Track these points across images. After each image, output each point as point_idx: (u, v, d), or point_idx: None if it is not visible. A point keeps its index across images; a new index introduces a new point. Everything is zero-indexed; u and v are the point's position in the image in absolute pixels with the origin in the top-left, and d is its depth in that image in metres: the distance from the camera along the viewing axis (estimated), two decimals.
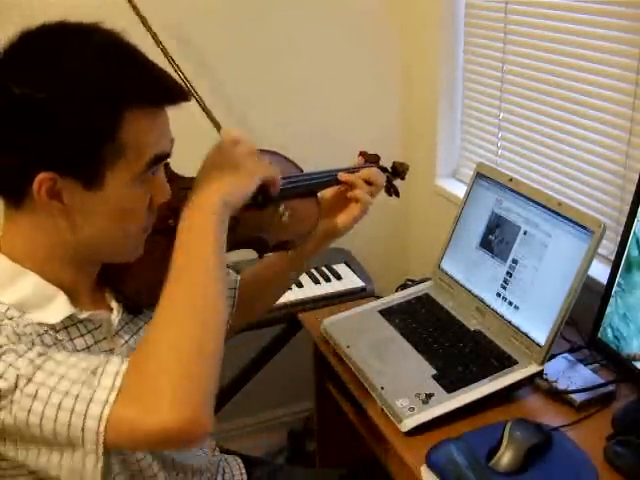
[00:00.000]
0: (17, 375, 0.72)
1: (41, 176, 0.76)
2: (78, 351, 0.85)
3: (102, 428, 0.70)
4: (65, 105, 0.75)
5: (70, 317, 0.85)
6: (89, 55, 0.77)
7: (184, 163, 1.03)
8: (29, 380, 0.72)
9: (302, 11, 1.88)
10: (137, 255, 0.90)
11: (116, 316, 0.91)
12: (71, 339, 0.85)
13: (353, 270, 1.87)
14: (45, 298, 0.83)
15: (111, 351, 0.90)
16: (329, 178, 1.16)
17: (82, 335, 0.87)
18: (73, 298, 0.86)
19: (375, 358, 1.28)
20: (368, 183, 1.15)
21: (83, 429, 0.70)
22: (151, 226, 0.90)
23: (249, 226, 1.02)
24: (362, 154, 1.25)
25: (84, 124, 0.76)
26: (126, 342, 0.93)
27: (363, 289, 1.78)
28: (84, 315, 0.86)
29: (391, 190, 1.29)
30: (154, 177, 0.85)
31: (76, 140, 0.76)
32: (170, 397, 0.70)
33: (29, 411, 0.71)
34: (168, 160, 1.04)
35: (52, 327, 0.82)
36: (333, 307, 1.56)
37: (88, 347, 0.87)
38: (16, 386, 0.72)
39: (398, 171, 1.30)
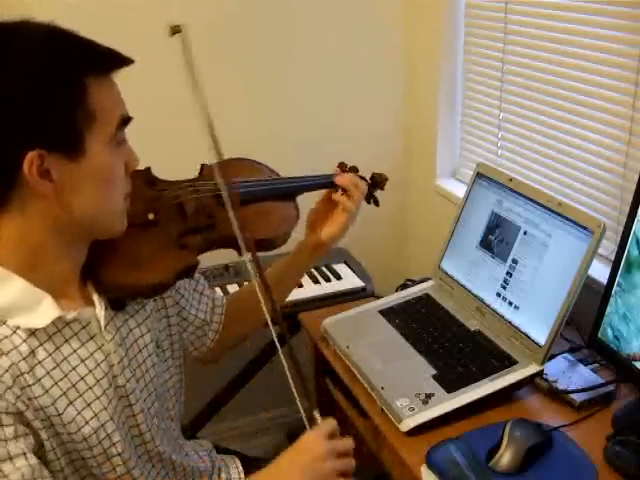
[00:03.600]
0: None
1: (30, 155, 0.80)
2: (66, 358, 0.87)
3: None
4: (32, 89, 0.80)
5: (57, 320, 0.86)
6: (38, 40, 0.82)
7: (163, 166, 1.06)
8: None
9: (303, 11, 1.88)
10: (123, 228, 0.93)
11: (100, 311, 0.92)
12: (57, 348, 0.86)
13: (353, 270, 1.87)
14: (32, 301, 0.85)
15: (101, 348, 0.92)
16: (308, 183, 1.21)
17: (67, 340, 0.88)
18: (58, 296, 0.87)
19: (375, 358, 1.28)
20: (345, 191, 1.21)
21: None
22: (129, 197, 0.94)
23: (227, 224, 1.03)
24: (340, 166, 1.28)
25: (54, 99, 0.81)
26: (113, 337, 0.94)
27: (363, 289, 1.78)
28: (72, 315, 0.88)
29: (371, 199, 1.33)
30: (124, 143, 0.90)
31: (51, 114, 0.81)
32: None
33: None
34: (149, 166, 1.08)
35: (35, 338, 0.84)
36: (333, 307, 1.56)
37: (75, 351, 0.88)
38: None
39: (377, 182, 1.34)
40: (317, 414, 0.99)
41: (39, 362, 0.84)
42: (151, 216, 1.00)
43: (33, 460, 0.80)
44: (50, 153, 0.81)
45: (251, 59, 1.87)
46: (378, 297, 1.56)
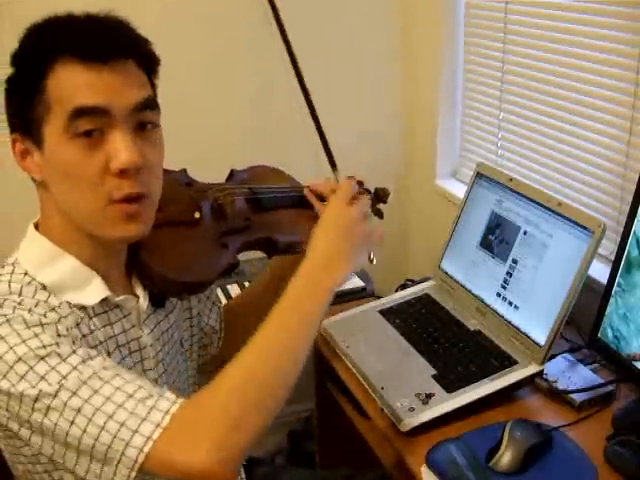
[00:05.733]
0: (60, 385, 0.74)
1: (12, 136, 0.84)
2: (107, 339, 0.88)
3: (141, 459, 0.72)
4: (11, 77, 0.82)
5: (103, 302, 0.87)
6: (30, 26, 0.83)
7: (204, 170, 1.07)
8: (74, 393, 0.74)
9: (303, 11, 1.88)
10: (130, 234, 0.86)
11: (144, 303, 0.93)
12: (102, 327, 0.88)
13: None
14: (82, 280, 0.86)
15: (138, 339, 0.93)
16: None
17: (111, 324, 0.89)
18: (106, 282, 0.88)
19: (375, 358, 1.28)
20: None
21: (123, 454, 0.73)
22: (139, 200, 0.85)
23: (261, 227, 1.09)
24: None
25: (18, 82, 0.82)
26: (151, 331, 0.95)
27: (363, 289, 1.78)
28: (119, 299, 0.89)
29: (375, 212, 1.33)
30: (105, 138, 0.81)
31: (17, 97, 0.82)
32: (210, 447, 0.73)
33: (72, 422, 0.74)
34: (185, 168, 1.06)
35: (86, 313, 0.85)
36: (333, 307, 1.55)
37: (115, 335, 0.89)
38: (56, 395, 0.74)
39: (380, 196, 1.35)
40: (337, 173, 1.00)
41: (91, 331, 0.85)
42: (197, 215, 1.02)
43: (110, 361, 0.81)
44: (24, 138, 0.83)
45: (250, 59, 1.87)
46: (378, 297, 1.56)
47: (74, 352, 0.77)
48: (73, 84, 0.80)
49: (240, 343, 1.25)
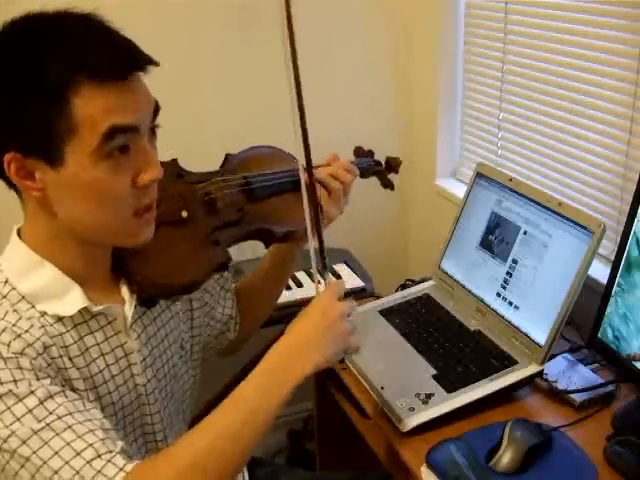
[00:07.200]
0: (12, 431, 0.74)
1: (6, 157, 0.78)
2: (88, 349, 0.87)
3: None
4: (12, 92, 0.77)
5: (84, 310, 0.86)
6: (33, 39, 0.78)
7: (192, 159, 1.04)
8: (23, 442, 0.74)
9: (302, 10, 1.88)
10: (146, 239, 0.88)
11: (129, 309, 0.92)
12: (81, 337, 0.87)
13: (353, 270, 1.87)
14: (61, 290, 0.85)
15: (123, 345, 0.92)
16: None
17: (92, 332, 0.88)
18: (87, 289, 0.87)
19: (375, 358, 1.28)
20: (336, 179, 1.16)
21: None
22: (153, 207, 0.88)
23: (255, 217, 1.05)
24: (356, 151, 1.30)
25: (32, 102, 0.77)
26: (139, 336, 0.94)
27: (363, 289, 1.77)
28: (98, 308, 0.88)
29: (386, 184, 1.34)
30: (132, 154, 0.81)
31: (27, 118, 0.77)
32: None
33: (22, 466, 0.74)
34: (176, 157, 1.03)
35: (62, 324, 0.84)
36: None
37: (98, 344, 0.89)
38: (6, 440, 0.74)
39: (391, 165, 1.34)
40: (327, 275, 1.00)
41: (66, 346, 0.85)
42: (184, 214, 0.98)
43: (73, 395, 0.81)
44: (27, 157, 0.79)
45: (249, 59, 1.87)
46: (378, 297, 1.56)
47: (32, 392, 0.76)
48: (103, 105, 0.77)
49: (248, 324, 1.24)
